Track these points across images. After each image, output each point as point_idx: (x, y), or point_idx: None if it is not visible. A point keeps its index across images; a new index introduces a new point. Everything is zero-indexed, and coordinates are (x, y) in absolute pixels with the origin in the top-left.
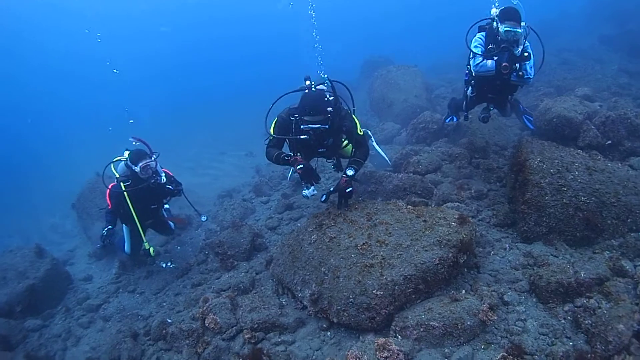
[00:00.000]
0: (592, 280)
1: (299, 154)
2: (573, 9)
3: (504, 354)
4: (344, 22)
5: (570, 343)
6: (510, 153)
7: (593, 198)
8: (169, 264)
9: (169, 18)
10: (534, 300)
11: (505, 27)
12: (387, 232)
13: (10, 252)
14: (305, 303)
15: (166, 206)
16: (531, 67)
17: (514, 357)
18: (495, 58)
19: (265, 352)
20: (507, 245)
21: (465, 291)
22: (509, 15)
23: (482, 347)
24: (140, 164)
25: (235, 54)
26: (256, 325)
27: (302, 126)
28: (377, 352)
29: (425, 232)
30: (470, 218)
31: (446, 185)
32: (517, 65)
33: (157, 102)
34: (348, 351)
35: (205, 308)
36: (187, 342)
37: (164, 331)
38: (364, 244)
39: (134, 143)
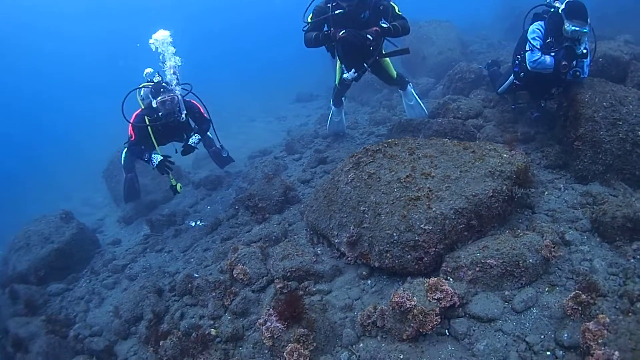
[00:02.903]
0: None
1: None
2: None
3: (577, 291)
4: None
5: None
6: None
7: None
8: (198, 222)
9: None
10: (598, 239)
11: (572, 26)
12: (433, 165)
13: (36, 221)
14: (342, 249)
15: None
16: (587, 66)
17: (588, 296)
18: (553, 54)
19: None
20: (561, 186)
21: (522, 231)
22: (578, 13)
23: (546, 289)
24: (158, 99)
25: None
26: (288, 274)
27: None
28: (429, 293)
29: (475, 163)
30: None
31: (490, 127)
32: (575, 62)
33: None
34: (395, 292)
35: (233, 259)
36: (214, 294)
37: (189, 285)
38: (407, 176)
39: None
